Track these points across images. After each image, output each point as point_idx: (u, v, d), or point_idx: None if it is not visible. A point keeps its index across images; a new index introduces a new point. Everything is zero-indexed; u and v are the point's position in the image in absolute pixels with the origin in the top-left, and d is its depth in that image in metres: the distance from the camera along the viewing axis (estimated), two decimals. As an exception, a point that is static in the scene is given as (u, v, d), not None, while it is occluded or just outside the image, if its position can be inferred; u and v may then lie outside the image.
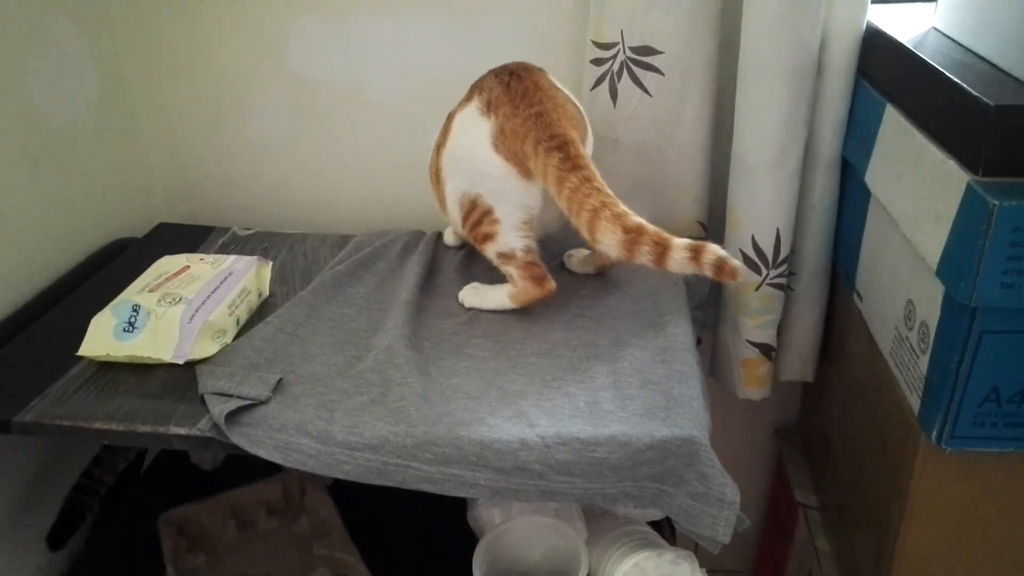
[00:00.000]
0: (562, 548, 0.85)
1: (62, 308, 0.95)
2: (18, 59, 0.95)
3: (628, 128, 1.05)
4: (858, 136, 0.95)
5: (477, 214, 0.88)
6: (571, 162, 0.78)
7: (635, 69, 1.01)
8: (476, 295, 0.94)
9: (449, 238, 1.07)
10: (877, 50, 0.92)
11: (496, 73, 0.87)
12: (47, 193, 1.00)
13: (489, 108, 0.84)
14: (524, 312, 0.91)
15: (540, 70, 0.88)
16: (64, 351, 0.83)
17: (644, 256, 0.74)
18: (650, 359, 0.80)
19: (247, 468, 1.00)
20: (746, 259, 1.04)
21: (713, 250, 0.73)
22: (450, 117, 0.91)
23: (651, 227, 0.75)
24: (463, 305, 0.94)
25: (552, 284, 0.89)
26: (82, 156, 1.06)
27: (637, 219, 0.74)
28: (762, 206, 1.01)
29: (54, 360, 0.83)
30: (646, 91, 1.02)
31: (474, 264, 1.02)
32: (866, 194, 0.92)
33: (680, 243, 0.74)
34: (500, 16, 1.08)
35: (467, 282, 0.97)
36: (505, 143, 0.82)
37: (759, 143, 0.97)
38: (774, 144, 0.97)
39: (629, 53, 1.00)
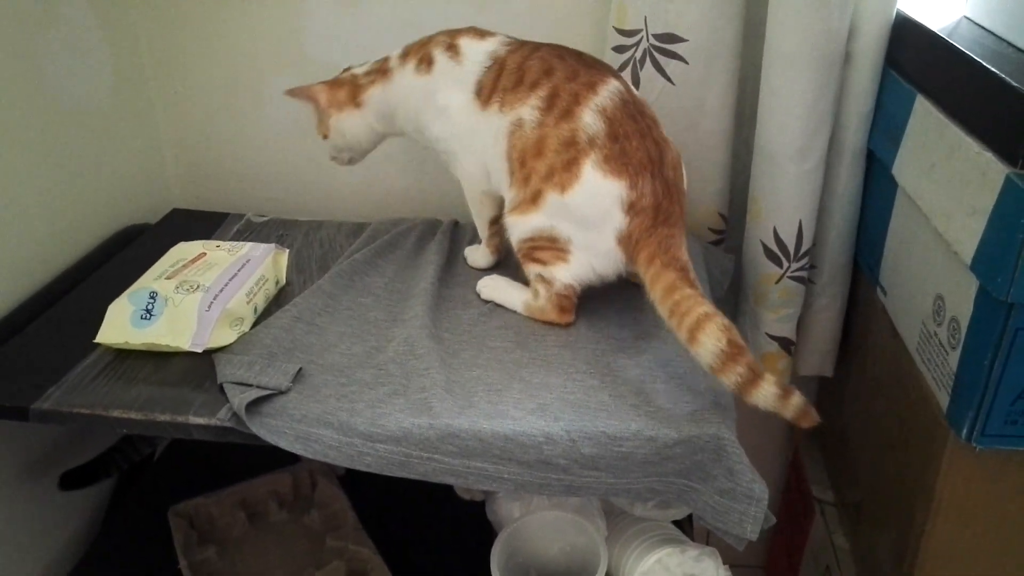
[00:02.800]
0: (581, 544, 0.84)
1: (77, 294, 0.94)
2: (33, 42, 0.93)
3: (650, 117, 1.03)
4: (886, 127, 0.93)
5: (547, 242, 0.83)
6: (687, 282, 0.76)
7: (658, 57, 0.99)
8: (495, 289, 0.93)
9: (479, 261, 1.00)
10: (907, 39, 0.90)
11: (652, 142, 0.81)
12: (61, 178, 0.99)
13: (635, 190, 0.78)
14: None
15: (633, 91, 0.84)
16: (80, 338, 0.82)
17: (734, 375, 0.69)
18: (674, 352, 0.79)
19: (257, 458, 0.99)
20: (767, 251, 1.03)
21: (799, 395, 0.70)
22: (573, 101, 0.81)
23: (749, 355, 0.70)
24: (479, 296, 0.93)
25: (571, 318, 0.86)
26: (97, 141, 1.05)
27: (743, 341, 0.71)
28: (785, 197, 0.99)
29: (70, 347, 0.82)
30: (669, 79, 1.00)
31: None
32: (893, 186, 0.90)
33: (771, 379, 0.69)
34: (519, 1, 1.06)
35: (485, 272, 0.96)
36: (628, 246, 0.80)
37: (783, 133, 0.96)
38: (798, 134, 0.95)
39: (652, 40, 0.98)
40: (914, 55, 0.89)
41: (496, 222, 0.93)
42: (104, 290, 0.87)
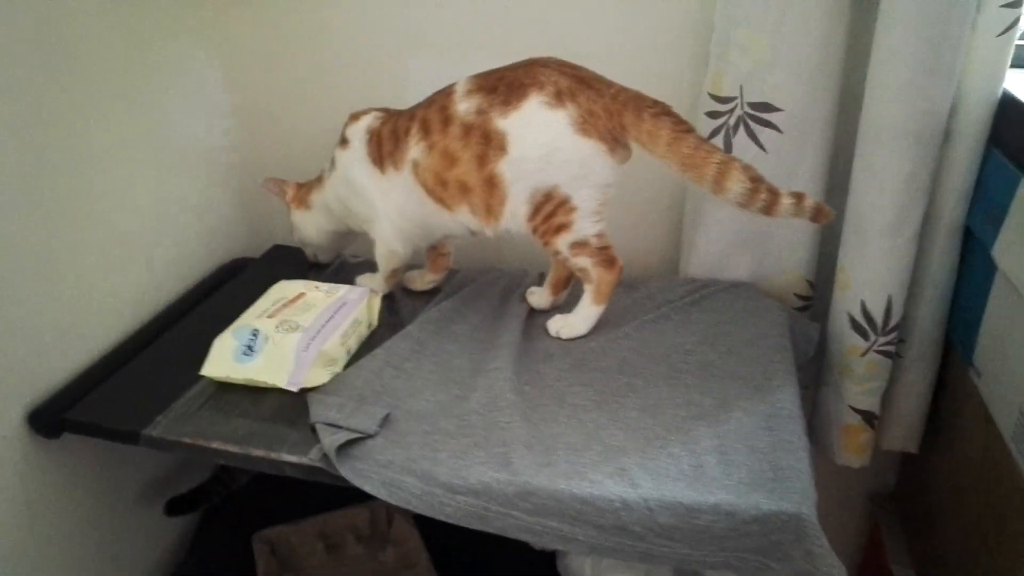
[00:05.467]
0: (652, 607, 0.84)
1: (184, 325, 1.00)
2: (161, 93, 1.02)
3: (740, 183, 1.04)
4: (986, 207, 0.92)
5: (551, 206, 0.88)
6: (683, 125, 0.84)
7: (752, 125, 1.00)
8: (567, 324, 0.97)
9: (539, 302, 1.03)
10: (1013, 120, 0.88)
11: (538, 67, 0.87)
12: (177, 215, 1.06)
13: (561, 98, 0.85)
14: (625, 362, 0.91)
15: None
16: (186, 368, 0.88)
17: (759, 203, 0.80)
18: (756, 425, 0.79)
19: (337, 489, 1.03)
20: (854, 323, 1.01)
21: (809, 197, 0.82)
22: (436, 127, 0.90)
23: (766, 180, 0.81)
24: (559, 337, 0.96)
25: (621, 262, 0.93)
26: (210, 180, 1.13)
27: (757, 172, 0.81)
28: (875, 270, 0.98)
29: (177, 377, 0.88)
30: (761, 147, 1.01)
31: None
32: (992, 267, 0.88)
33: (785, 192, 0.81)
34: (614, 63, 1.09)
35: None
36: (596, 123, 0.85)
37: (877, 206, 0.95)
38: (892, 208, 0.94)
39: (747, 109, 0.99)
40: (1020, 137, 0.87)
41: (399, 272, 1.06)
42: (209, 322, 0.93)
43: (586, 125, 0.85)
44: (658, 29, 1.06)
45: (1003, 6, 0.85)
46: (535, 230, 0.91)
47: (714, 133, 1.03)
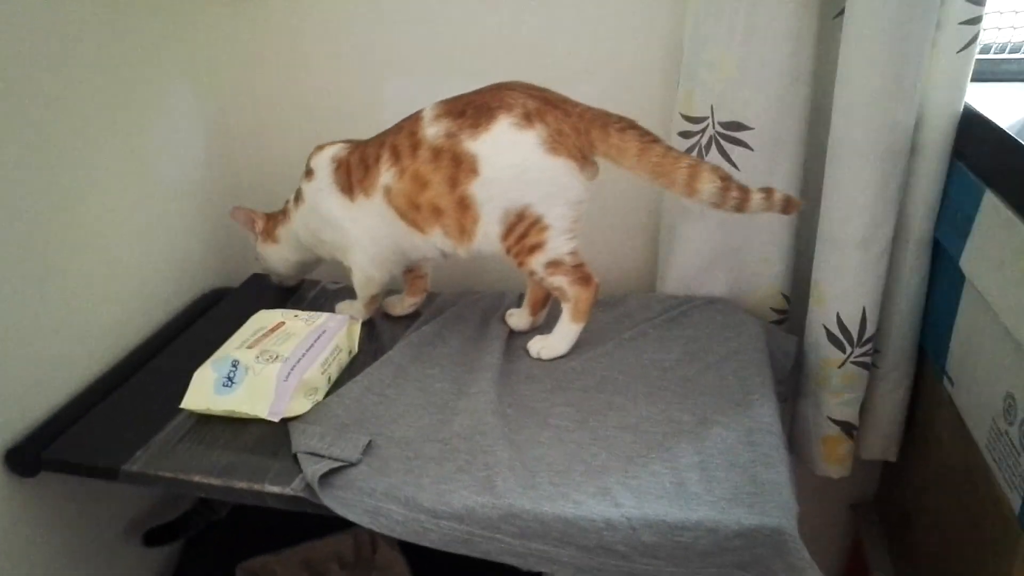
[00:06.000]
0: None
1: (164, 357, 1.00)
2: (141, 127, 1.02)
3: (713, 200, 1.05)
4: (952, 218, 0.94)
5: (524, 226, 0.89)
6: (649, 136, 0.86)
7: (723, 144, 1.02)
8: (546, 345, 0.98)
9: (519, 323, 1.04)
10: (975, 133, 0.91)
11: (505, 90, 0.89)
12: (154, 246, 1.06)
13: (530, 119, 0.86)
14: (605, 381, 0.92)
15: None
16: (165, 401, 0.88)
17: (731, 202, 0.83)
18: (736, 440, 0.80)
19: (320, 517, 1.02)
20: (830, 336, 1.03)
21: (778, 191, 0.84)
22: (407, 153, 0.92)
23: (735, 179, 0.84)
24: (539, 358, 0.97)
25: (596, 279, 0.94)
26: (188, 210, 1.12)
27: (726, 172, 0.84)
28: (849, 283, 1.00)
29: (156, 410, 0.87)
30: (734, 164, 1.02)
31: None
32: (960, 278, 0.90)
33: (755, 189, 0.84)
34: (588, 84, 1.10)
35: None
36: (565, 142, 0.87)
37: (847, 221, 0.97)
38: (863, 223, 0.96)
39: (718, 128, 1.01)
40: (982, 150, 0.89)
41: (378, 298, 1.06)
42: (190, 353, 0.93)
43: (555, 144, 0.86)
44: (629, 51, 1.08)
45: (962, 23, 0.88)
46: (509, 250, 0.92)
47: (687, 151, 1.04)
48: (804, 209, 1.05)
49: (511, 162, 0.87)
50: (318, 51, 1.15)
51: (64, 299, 0.90)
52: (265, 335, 0.93)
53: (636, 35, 1.07)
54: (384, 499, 0.75)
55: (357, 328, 1.01)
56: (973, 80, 0.91)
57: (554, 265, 0.92)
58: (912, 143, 0.94)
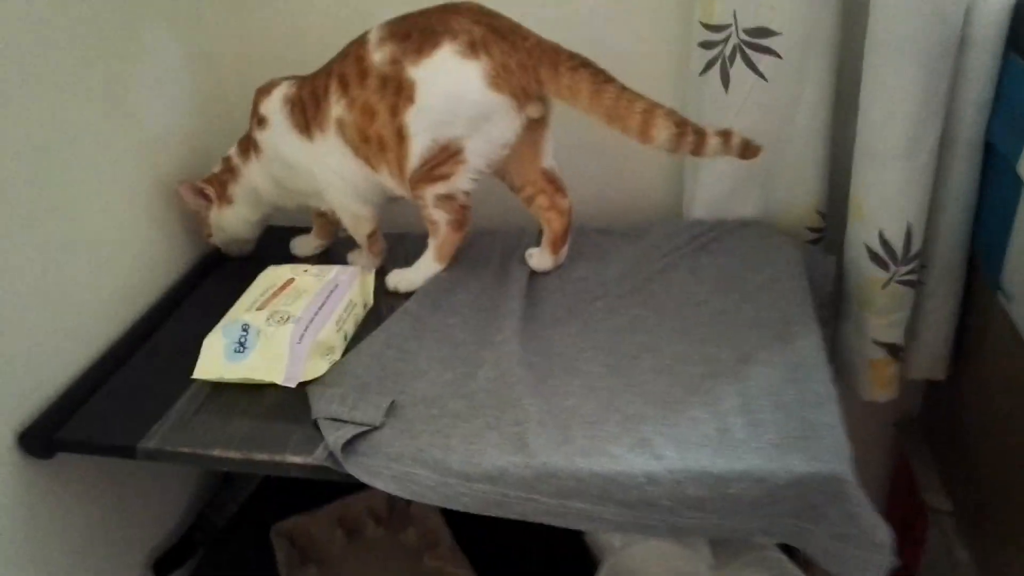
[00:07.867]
0: (685, 573, 0.81)
1: (172, 323, 0.96)
2: (123, 75, 0.95)
3: (741, 114, 0.97)
4: (1008, 118, 0.85)
5: (443, 156, 0.85)
6: (602, 75, 0.81)
7: (749, 52, 0.93)
8: (403, 278, 0.96)
9: (540, 263, 0.98)
10: (1033, 22, 0.82)
11: (451, 13, 0.83)
12: (151, 203, 1.00)
13: (475, 49, 0.81)
14: (635, 320, 0.87)
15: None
16: (178, 371, 0.84)
17: (687, 146, 0.79)
18: (780, 378, 0.75)
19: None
20: (872, 254, 0.96)
21: (737, 134, 0.80)
22: (345, 79, 0.87)
23: (691, 122, 0.80)
24: (397, 291, 0.95)
25: (469, 225, 0.92)
26: (182, 163, 1.06)
27: (682, 115, 0.80)
28: (891, 198, 0.92)
29: (169, 381, 0.84)
30: (761, 75, 0.94)
31: (577, 262, 0.98)
32: (1018, 183, 0.83)
33: (712, 131, 0.80)
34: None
35: (571, 285, 0.95)
36: (509, 79, 0.82)
37: (889, 129, 0.89)
38: (906, 130, 0.88)
39: (743, 36, 0.92)
40: (1042, 39, 0.80)
41: (377, 235, 1.01)
42: (198, 318, 0.89)
43: (498, 79, 0.81)
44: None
45: None
46: (416, 174, 0.87)
47: (709, 65, 0.96)
48: (840, 118, 0.99)
49: (448, 92, 0.83)
50: (318, 32, 1.06)
51: (63, 272, 0.86)
52: (275, 294, 0.89)
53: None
54: (412, 464, 0.71)
55: (371, 279, 0.96)
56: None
57: (446, 199, 0.88)
58: (961, 36, 0.85)
